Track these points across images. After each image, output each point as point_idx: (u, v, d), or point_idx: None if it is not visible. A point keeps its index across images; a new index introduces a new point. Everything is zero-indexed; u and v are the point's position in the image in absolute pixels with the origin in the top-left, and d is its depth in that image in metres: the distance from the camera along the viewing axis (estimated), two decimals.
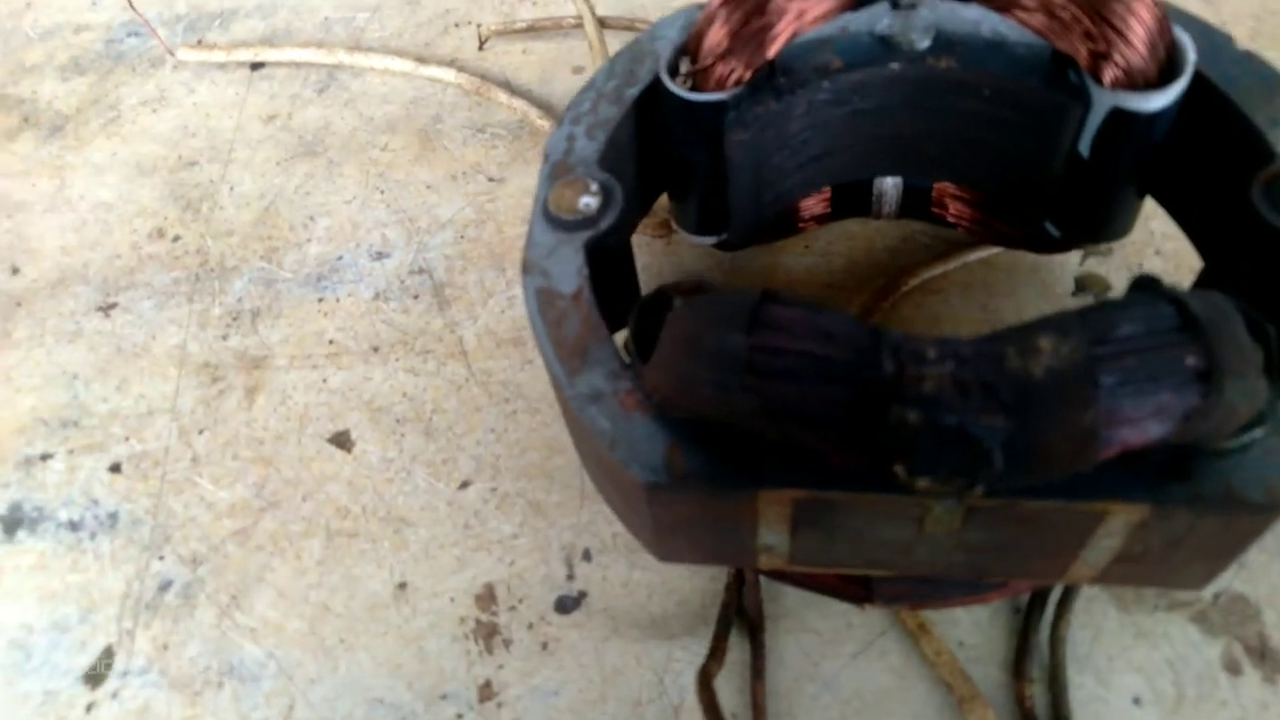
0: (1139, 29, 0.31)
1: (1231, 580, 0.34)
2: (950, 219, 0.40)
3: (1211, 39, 0.33)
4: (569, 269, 0.30)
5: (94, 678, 0.34)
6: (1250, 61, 0.32)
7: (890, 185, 0.40)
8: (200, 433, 0.39)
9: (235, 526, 0.37)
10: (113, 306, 0.43)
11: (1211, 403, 0.22)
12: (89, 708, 0.33)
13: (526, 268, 0.31)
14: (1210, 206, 0.33)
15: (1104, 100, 0.31)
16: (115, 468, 0.39)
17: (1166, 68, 0.31)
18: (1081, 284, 0.42)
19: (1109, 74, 0.31)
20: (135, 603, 0.35)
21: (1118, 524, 0.25)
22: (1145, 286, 0.28)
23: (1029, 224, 0.38)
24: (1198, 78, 0.32)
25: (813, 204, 0.41)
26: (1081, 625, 0.33)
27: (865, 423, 0.23)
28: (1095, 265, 0.42)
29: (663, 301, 0.28)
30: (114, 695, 0.34)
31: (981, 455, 0.22)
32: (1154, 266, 0.42)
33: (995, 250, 0.42)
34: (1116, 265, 0.42)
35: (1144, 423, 0.22)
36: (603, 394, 0.28)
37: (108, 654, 0.34)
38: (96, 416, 0.40)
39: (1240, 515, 0.25)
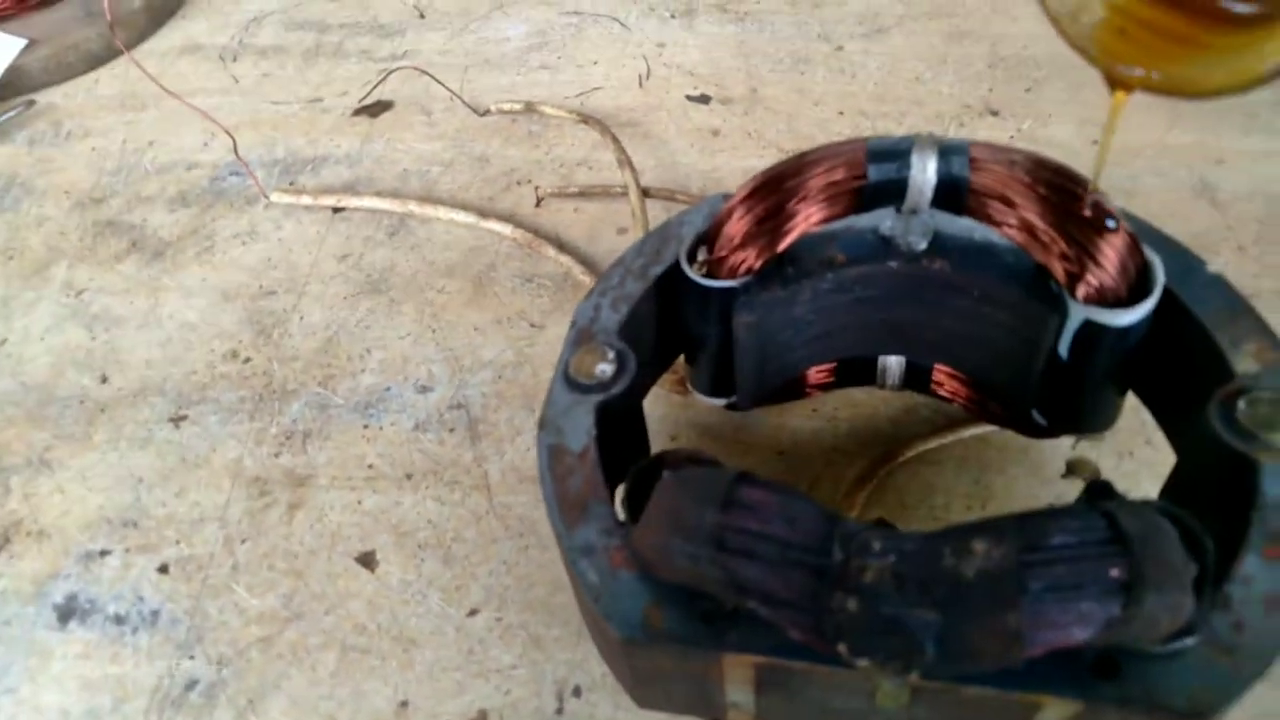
0: (1110, 253, 0.34)
1: None
2: (947, 396, 0.43)
3: (1185, 262, 0.36)
4: (580, 428, 0.34)
5: None
6: (1219, 285, 0.35)
7: (894, 361, 0.44)
8: (243, 542, 0.43)
9: (261, 633, 0.40)
10: (183, 419, 0.48)
11: (1131, 613, 0.24)
12: None
13: (543, 424, 0.34)
14: (1179, 413, 0.36)
15: (1078, 312, 0.35)
16: (164, 568, 0.42)
17: (1138, 286, 0.34)
18: (1072, 467, 0.44)
19: (1082, 290, 0.34)
20: (163, 698, 0.38)
21: (1051, 716, 0.27)
22: (1098, 493, 0.30)
23: (1017, 411, 0.40)
24: (1168, 296, 0.35)
25: (819, 374, 0.44)
26: None
27: (814, 605, 0.25)
28: (1086, 449, 0.44)
29: (656, 469, 0.31)
30: None
31: (914, 644, 0.24)
32: (1144, 454, 0.44)
33: (991, 429, 0.45)
34: (1107, 451, 0.44)
35: (1068, 627, 0.25)
36: (595, 548, 0.31)
37: None
38: (154, 519, 0.44)
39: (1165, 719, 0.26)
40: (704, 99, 0.64)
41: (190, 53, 0.72)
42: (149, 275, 0.55)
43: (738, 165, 0.58)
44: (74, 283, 0.56)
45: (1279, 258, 0.52)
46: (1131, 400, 0.39)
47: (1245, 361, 0.33)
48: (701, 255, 0.38)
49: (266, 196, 0.58)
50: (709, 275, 0.37)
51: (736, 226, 0.37)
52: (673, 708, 0.33)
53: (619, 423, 0.36)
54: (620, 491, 0.33)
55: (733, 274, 0.37)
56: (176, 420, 0.48)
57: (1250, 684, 0.26)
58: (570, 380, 0.35)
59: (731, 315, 0.38)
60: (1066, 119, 0.61)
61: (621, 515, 0.32)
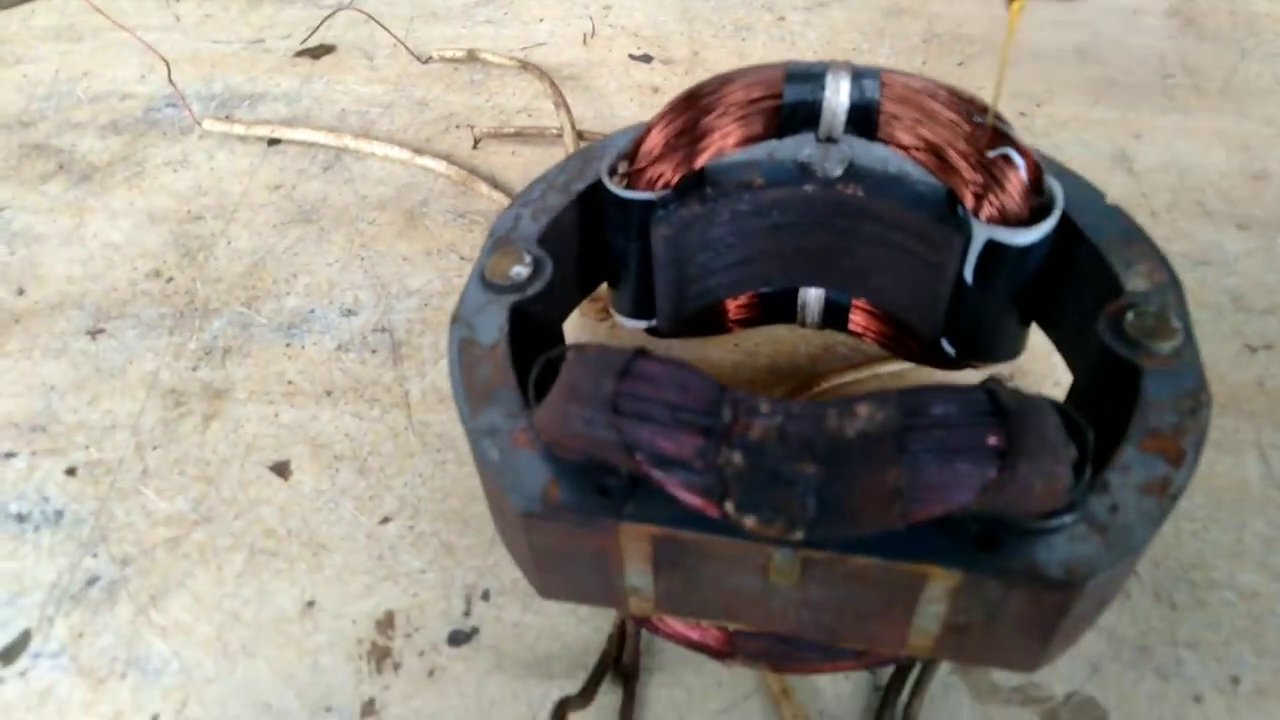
0: (1012, 176, 0.35)
1: (1084, 683, 0.36)
2: (861, 332, 0.44)
3: (1086, 193, 0.37)
4: (492, 325, 0.34)
5: (7, 655, 0.36)
6: (1116, 214, 0.37)
7: (813, 296, 0.45)
8: (155, 449, 0.43)
9: (168, 534, 0.40)
10: (100, 331, 0.47)
11: (1005, 478, 0.25)
12: None
13: (455, 319, 0.35)
14: (1074, 333, 0.37)
15: (981, 233, 0.36)
16: (71, 471, 0.42)
17: (1038, 210, 0.36)
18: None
19: (985, 211, 0.35)
20: (61, 593, 0.38)
21: (938, 589, 0.28)
22: (988, 383, 0.31)
23: (928, 341, 0.42)
24: (1067, 222, 0.36)
25: (739, 306, 0.45)
26: (936, 710, 0.35)
27: (702, 463, 0.26)
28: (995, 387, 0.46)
29: (563, 356, 0.32)
30: (22, 674, 0.36)
31: (795, 499, 0.25)
32: (1052, 394, 0.45)
33: (907, 365, 0.46)
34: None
35: (945, 489, 0.25)
36: (499, 430, 0.31)
37: (25, 636, 0.37)
38: (64, 425, 0.44)
39: (1043, 590, 0.27)
40: (646, 58, 0.65)
41: None
42: (74, 196, 0.55)
43: None
44: None
45: (1188, 224, 0.54)
46: (1041, 345, 0.40)
47: (1136, 280, 0.34)
48: (622, 169, 0.39)
49: (199, 124, 0.58)
50: (628, 188, 0.38)
51: (655, 140, 0.38)
52: (576, 596, 0.33)
53: (534, 329, 0.36)
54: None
55: (651, 187, 0.38)
56: (94, 333, 0.47)
57: (1120, 560, 0.27)
58: (485, 281, 0.36)
59: (648, 230, 0.39)
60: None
61: (528, 402, 0.32)
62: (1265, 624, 0.38)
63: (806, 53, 0.66)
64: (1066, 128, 0.60)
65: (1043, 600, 0.28)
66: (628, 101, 0.61)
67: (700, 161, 0.38)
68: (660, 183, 0.38)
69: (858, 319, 0.45)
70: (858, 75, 0.37)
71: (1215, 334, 0.48)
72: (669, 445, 0.26)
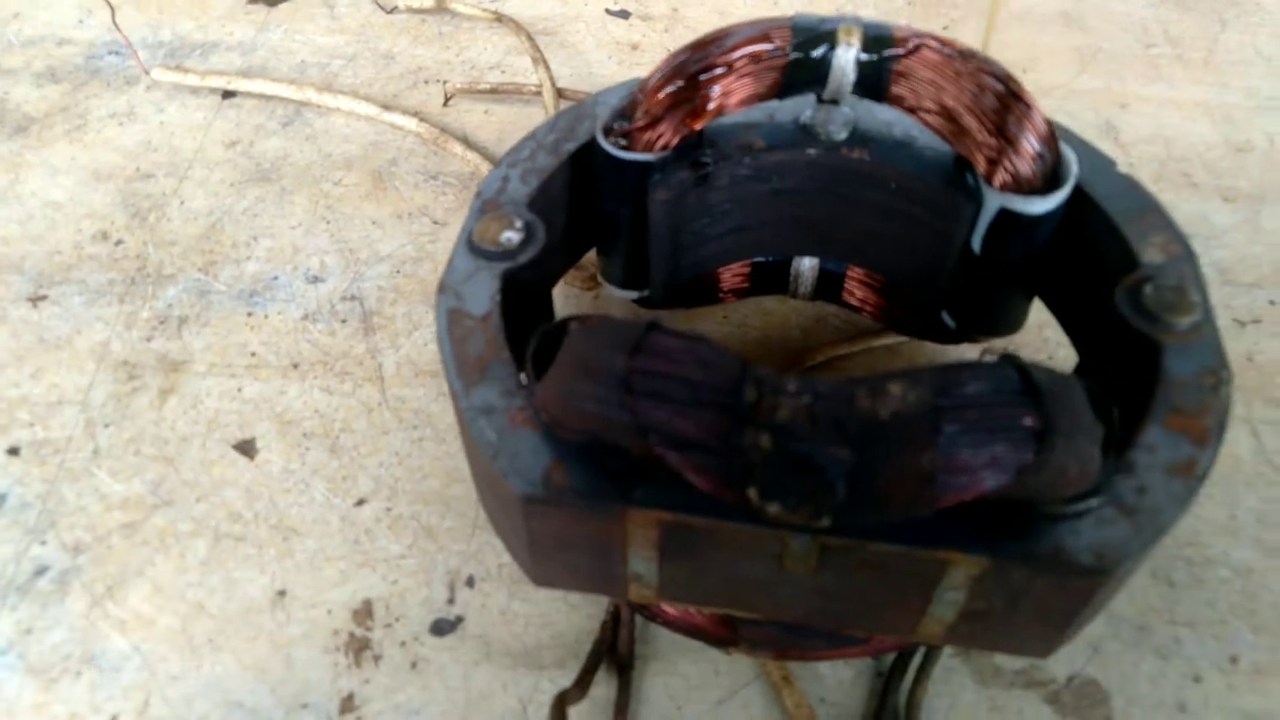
0: (1028, 142, 0.34)
1: (1085, 665, 0.35)
2: (856, 304, 0.43)
3: (1098, 162, 0.36)
4: (483, 294, 0.32)
5: None
6: (1129, 184, 0.36)
7: (807, 266, 0.43)
8: (106, 426, 0.40)
9: (125, 519, 0.37)
10: (42, 299, 0.44)
11: (1043, 459, 0.24)
12: None
13: (442, 288, 0.32)
14: (1085, 307, 0.36)
15: (993, 201, 0.34)
16: (14, 450, 0.39)
17: (1052, 178, 0.34)
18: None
19: (999, 178, 0.34)
20: (6, 584, 0.35)
21: (959, 576, 0.27)
22: (1007, 360, 0.30)
23: (927, 313, 0.40)
24: (1080, 191, 0.35)
25: (732, 276, 0.43)
26: (940, 695, 0.34)
27: (724, 446, 0.24)
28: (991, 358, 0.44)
29: (564, 328, 0.30)
30: None
31: (825, 484, 0.24)
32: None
33: (900, 339, 0.45)
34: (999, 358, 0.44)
35: (980, 471, 0.24)
36: (495, 408, 0.29)
37: None
38: (4, 400, 0.40)
39: (1070, 577, 0.26)
40: (624, 14, 0.62)
41: None
42: (9, 150, 0.51)
43: None
44: None
45: (1174, 194, 0.53)
46: (1034, 319, 0.39)
47: (1151, 253, 0.33)
48: (618, 128, 0.36)
49: (147, 73, 0.54)
50: (625, 149, 0.36)
51: (654, 99, 0.36)
52: (572, 584, 0.31)
53: (526, 299, 0.34)
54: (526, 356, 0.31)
55: (649, 149, 0.36)
56: (35, 300, 0.44)
57: (1151, 544, 0.26)
58: (474, 247, 0.33)
59: (646, 194, 0.36)
60: None
61: (524, 379, 0.30)
62: (1260, 600, 0.37)
63: (790, 10, 0.63)
64: (1052, 95, 0.59)
65: (1069, 587, 0.27)
66: (605, 59, 0.59)
67: (702, 122, 0.35)
68: (659, 144, 0.35)
69: (853, 290, 0.43)
70: (870, 31, 0.35)
71: None
72: (688, 427, 0.24)
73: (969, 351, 0.44)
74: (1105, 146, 0.56)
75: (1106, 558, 0.26)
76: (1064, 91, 0.60)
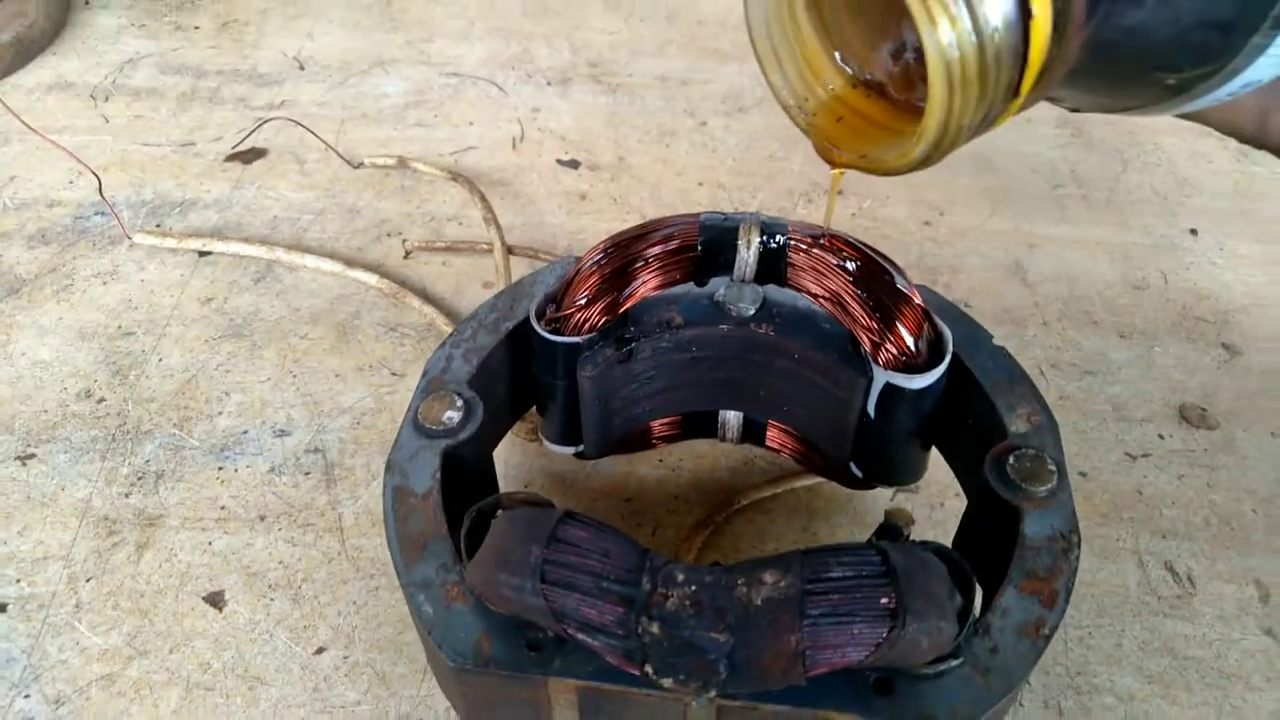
0: (906, 325, 0.39)
1: None
2: (778, 448, 0.47)
3: (975, 334, 0.41)
4: (425, 472, 0.36)
5: None
6: (1001, 356, 0.40)
7: (733, 416, 0.47)
8: (88, 580, 0.43)
9: (103, 671, 0.40)
10: (30, 457, 0.48)
11: (895, 636, 0.28)
12: None
13: (389, 467, 0.36)
14: (967, 465, 0.40)
15: (880, 376, 0.39)
16: (2, 607, 0.42)
17: (931, 354, 0.39)
18: (889, 516, 0.48)
19: (882, 356, 0.39)
20: None
21: None
22: (884, 533, 0.34)
23: (837, 463, 0.45)
24: (959, 362, 0.39)
25: (663, 426, 0.48)
26: None
27: (624, 630, 0.28)
28: (903, 500, 0.49)
29: (494, 509, 0.34)
30: None
31: (708, 664, 0.27)
32: (952, 505, 0.49)
33: (820, 480, 0.49)
34: (921, 501, 0.49)
35: (843, 648, 0.28)
36: (431, 584, 0.33)
37: None
38: None
39: None
40: (574, 164, 0.68)
41: (60, 90, 0.72)
42: (2, 311, 0.55)
43: (602, 228, 0.62)
44: None
45: (1077, 333, 0.58)
46: (941, 460, 0.43)
47: (1018, 423, 0.38)
48: (549, 312, 0.41)
49: (130, 237, 0.58)
50: (555, 332, 0.40)
51: (580, 288, 0.40)
52: None
53: (466, 469, 0.38)
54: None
55: (578, 331, 0.40)
56: (24, 458, 0.48)
57: (1000, 699, 0.30)
58: (419, 425, 0.37)
59: (576, 370, 0.41)
60: (901, 200, 0.67)
61: (459, 553, 0.34)
62: None
63: (726, 159, 0.70)
64: (966, 237, 0.65)
65: None
66: (555, 209, 0.64)
67: (624, 308, 0.40)
68: (586, 327, 0.40)
69: (774, 436, 0.47)
70: (766, 229, 0.40)
71: (1099, 442, 0.52)
72: (593, 614, 0.28)
73: (884, 493, 0.49)
74: (1014, 285, 0.61)
75: (960, 713, 0.30)
76: (978, 233, 0.65)
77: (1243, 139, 0.45)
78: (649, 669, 0.28)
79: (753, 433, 0.48)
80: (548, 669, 0.31)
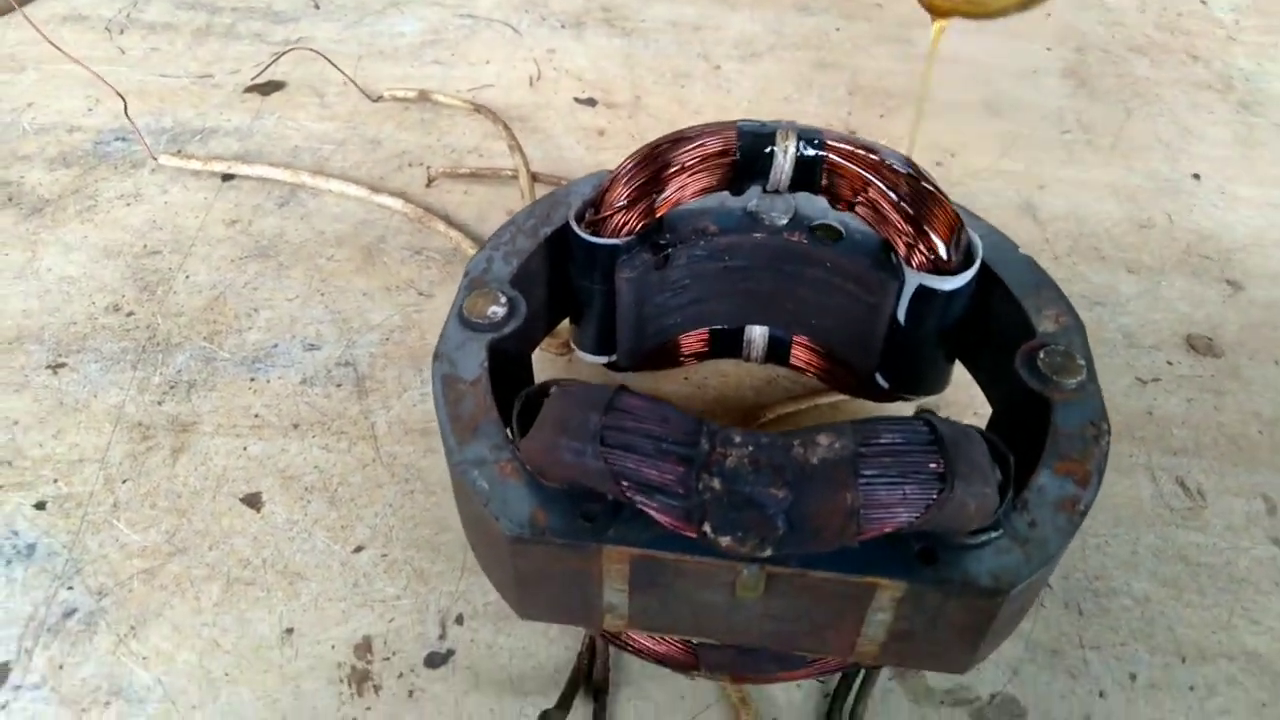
0: (940, 230, 0.40)
1: (1006, 684, 0.40)
2: (802, 366, 0.48)
3: (1001, 245, 0.42)
4: (473, 361, 0.37)
5: None
6: (1028, 264, 0.41)
7: (758, 334, 0.48)
8: (124, 482, 0.43)
9: (143, 566, 0.40)
10: (61, 366, 0.48)
11: (945, 497, 0.29)
12: None
13: (437, 356, 0.37)
14: (993, 368, 0.41)
15: (913, 279, 0.40)
16: (40, 505, 0.42)
17: (962, 259, 0.40)
18: (921, 409, 0.49)
19: (916, 259, 0.40)
20: (39, 625, 0.38)
21: (885, 599, 0.31)
22: (921, 415, 0.35)
23: (863, 375, 0.46)
24: (987, 270, 0.40)
25: (692, 342, 0.48)
26: (879, 712, 0.39)
27: (683, 489, 0.29)
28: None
29: (545, 390, 0.34)
30: (3, 707, 0.36)
31: (767, 520, 0.28)
32: (972, 423, 0.50)
33: (842, 397, 0.50)
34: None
35: (894, 508, 0.29)
36: (485, 461, 0.34)
37: (4, 668, 0.37)
38: (30, 459, 0.44)
39: (975, 598, 0.31)
40: (591, 102, 0.68)
41: (74, 21, 0.72)
42: (26, 230, 0.55)
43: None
44: None
45: (1086, 267, 0.60)
46: (962, 378, 0.44)
47: (1046, 324, 0.39)
48: (589, 216, 0.42)
49: (154, 158, 0.58)
50: (595, 234, 0.41)
51: (620, 191, 0.41)
52: (553, 616, 0.36)
53: (509, 365, 0.39)
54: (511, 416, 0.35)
55: (616, 234, 0.41)
56: (55, 367, 0.48)
57: (1039, 570, 0.31)
58: (464, 319, 0.38)
59: (614, 273, 0.42)
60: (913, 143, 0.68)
61: (511, 435, 0.35)
62: (1156, 624, 0.43)
63: (741, 100, 0.70)
64: (978, 177, 0.66)
65: (976, 606, 0.32)
66: (574, 144, 0.64)
67: (661, 211, 0.41)
68: (625, 230, 0.41)
69: (799, 354, 0.48)
70: (803, 135, 0.41)
71: (1110, 368, 0.53)
72: (653, 473, 0.29)
73: (903, 408, 0.50)
74: (1025, 223, 0.63)
75: (1003, 580, 0.31)
76: (989, 173, 0.66)
77: None
78: (707, 527, 0.29)
79: (776, 352, 0.49)
80: (602, 537, 0.31)
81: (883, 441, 0.30)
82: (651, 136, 0.66)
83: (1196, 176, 0.67)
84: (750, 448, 0.29)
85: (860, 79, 0.73)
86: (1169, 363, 0.54)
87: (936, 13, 0.35)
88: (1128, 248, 0.61)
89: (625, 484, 0.29)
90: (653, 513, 0.29)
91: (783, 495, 0.28)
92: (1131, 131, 0.71)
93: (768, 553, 0.29)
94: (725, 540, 0.29)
